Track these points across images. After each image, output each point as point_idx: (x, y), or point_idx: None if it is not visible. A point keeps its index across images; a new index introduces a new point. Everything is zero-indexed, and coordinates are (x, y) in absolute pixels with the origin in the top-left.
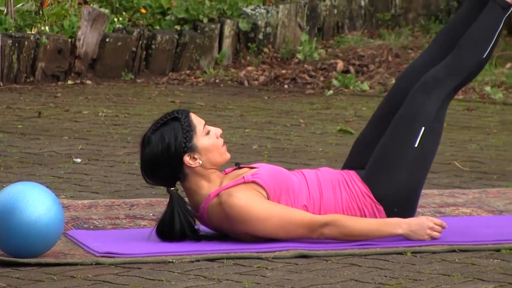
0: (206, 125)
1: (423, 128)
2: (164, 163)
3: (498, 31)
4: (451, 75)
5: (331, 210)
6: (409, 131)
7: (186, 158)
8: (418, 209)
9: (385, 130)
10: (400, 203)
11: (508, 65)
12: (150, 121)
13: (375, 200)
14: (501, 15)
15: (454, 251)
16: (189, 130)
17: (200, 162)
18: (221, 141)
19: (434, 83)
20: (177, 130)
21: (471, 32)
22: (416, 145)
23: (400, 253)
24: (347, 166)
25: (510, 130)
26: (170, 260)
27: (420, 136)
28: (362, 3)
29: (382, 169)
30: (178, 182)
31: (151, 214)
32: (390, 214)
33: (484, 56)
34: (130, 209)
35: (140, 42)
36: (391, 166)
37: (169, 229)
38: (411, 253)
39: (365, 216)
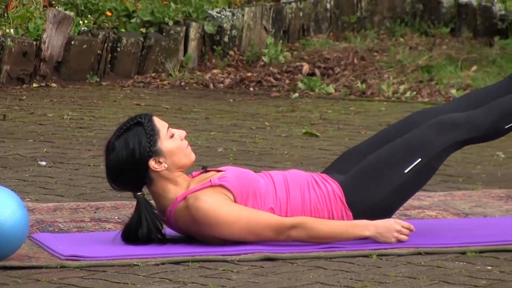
0: (169, 128)
1: (420, 159)
2: (129, 169)
3: None
4: (468, 127)
5: (298, 212)
6: (405, 156)
7: (151, 163)
8: None
9: None
10: (370, 217)
11: (474, 68)
12: (115, 124)
13: (346, 205)
14: None
15: (419, 253)
16: (153, 134)
17: (166, 165)
18: (185, 143)
19: (450, 126)
20: (140, 135)
21: (508, 99)
22: (405, 171)
23: (366, 256)
24: (327, 171)
25: None
26: (136, 263)
27: (413, 165)
28: (328, 6)
29: (364, 179)
30: (144, 187)
31: (116, 217)
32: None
33: (506, 127)
34: (95, 212)
35: (106, 45)
36: (374, 180)
37: (136, 234)
38: (377, 255)
39: (333, 219)
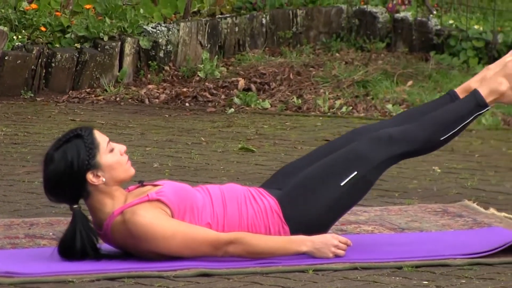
0: (110, 142)
1: (356, 172)
2: (67, 181)
3: (466, 122)
4: (403, 141)
5: (235, 226)
6: (341, 169)
7: (89, 176)
8: None
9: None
10: (307, 230)
11: (410, 82)
12: (50, 139)
13: (283, 219)
14: (474, 110)
15: (356, 268)
16: (92, 147)
17: (104, 179)
18: (125, 158)
19: (386, 141)
20: (79, 147)
21: (441, 112)
22: (341, 184)
23: (302, 271)
24: (263, 186)
25: None
26: (70, 280)
27: (349, 178)
28: (263, 21)
29: (301, 192)
30: (81, 200)
31: (51, 233)
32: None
33: (442, 139)
34: (29, 229)
35: (40, 60)
36: (310, 192)
37: (70, 247)
38: (313, 271)
39: (270, 234)
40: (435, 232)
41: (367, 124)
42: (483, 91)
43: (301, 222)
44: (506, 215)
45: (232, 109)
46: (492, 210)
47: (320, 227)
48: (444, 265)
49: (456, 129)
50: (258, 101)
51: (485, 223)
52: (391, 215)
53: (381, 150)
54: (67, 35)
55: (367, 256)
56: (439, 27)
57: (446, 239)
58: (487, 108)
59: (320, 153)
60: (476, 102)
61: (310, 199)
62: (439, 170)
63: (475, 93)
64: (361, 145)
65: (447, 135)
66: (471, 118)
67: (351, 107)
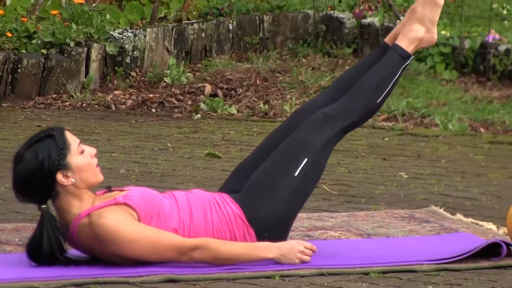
0: (80, 144)
1: (306, 159)
2: (36, 180)
3: (395, 79)
4: (342, 116)
5: (201, 233)
6: (291, 160)
7: (59, 176)
8: None
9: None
10: (271, 229)
11: None
12: (16, 145)
13: (247, 223)
14: (400, 63)
15: (322, 274)
16: (63, 148)
17: (73, 180)
18: (95, 161)
19: (324, 120)
20: (51, 147)
21: (368, 77)
22: (295, 174)
23: (269, 277)
24: (222, 190)
25: (378, 153)
26: (36, 286)
27: (301, 166)
28: (230, 27)
29: (258, 191)
30: (49, 201)
31: (17, 240)
32: (260, 238)
33: (378, 102)
34: None
35: (6, 66)
36: (267, 190)
37: (38, 248)
38: (280, 276)
39: (236, 239)
40: (402, 238)
41: (303, 105)
42: (403, 43)
43: (265, 222)
44: (473, 220)
45: (199, 115)
46: (459, 216)
47: (283, 221)
48: (411, 271)
49: (388, 88)
50: (224, 107)
51: (452, 229)
52: (358, 221)
53: (323, 131)
54: (33, 41)
55: (334, 262)
56: None
57: (413, 244)
58: (411, 58)
59: (268, 147)
60: (400, 56)
61: (269, 197)
62: (405, 176)
63: (395, 48)
64: (302, 132)
65: (382, 96)
66: (399, 72)
67: None
